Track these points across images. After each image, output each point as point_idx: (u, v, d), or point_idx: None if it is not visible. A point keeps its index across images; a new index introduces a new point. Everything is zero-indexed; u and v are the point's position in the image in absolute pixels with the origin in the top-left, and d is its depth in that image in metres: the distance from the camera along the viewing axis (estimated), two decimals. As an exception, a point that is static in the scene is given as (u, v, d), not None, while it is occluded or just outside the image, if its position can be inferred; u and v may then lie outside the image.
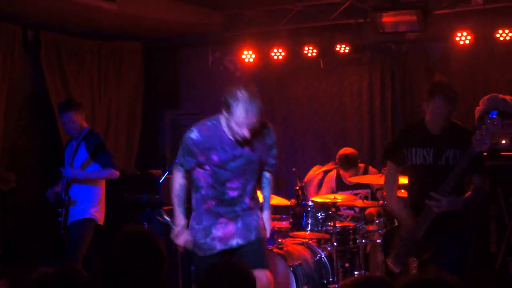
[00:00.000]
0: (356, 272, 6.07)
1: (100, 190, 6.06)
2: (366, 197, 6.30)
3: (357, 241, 6.07)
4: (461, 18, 6.83)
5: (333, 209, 6.05)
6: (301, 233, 6.13)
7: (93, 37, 7.80)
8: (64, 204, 5.94)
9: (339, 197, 6.17)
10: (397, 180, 4.79)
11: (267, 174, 4.55)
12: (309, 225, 6.12)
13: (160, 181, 6.89)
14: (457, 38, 6.78)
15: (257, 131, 4.28)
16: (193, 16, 7.48)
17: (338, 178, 6.88)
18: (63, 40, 7.47)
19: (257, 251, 4.31)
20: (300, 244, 6.08)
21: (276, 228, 6.22)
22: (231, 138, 4.23)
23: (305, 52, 7.52)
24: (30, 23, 7.09)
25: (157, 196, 7.11)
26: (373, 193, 6.72)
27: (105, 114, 7.91)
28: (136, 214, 7.13)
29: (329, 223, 6.00)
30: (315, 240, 6.20)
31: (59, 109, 6.08)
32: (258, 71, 7.98)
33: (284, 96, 8.00)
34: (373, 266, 6.35)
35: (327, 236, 6.05)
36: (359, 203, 6.16)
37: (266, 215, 4.51)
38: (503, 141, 5.50)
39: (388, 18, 6.84)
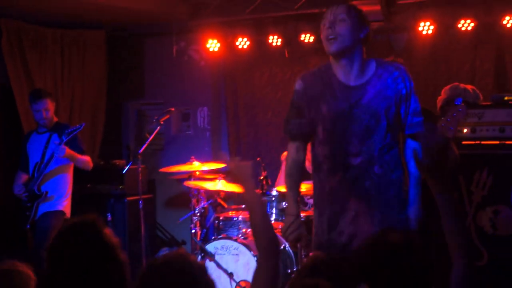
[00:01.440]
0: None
1: (71, 181, 6.05)
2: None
3: (321, 230, 6.09)
4: (424, 8, 6.87)
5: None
6: (266, 222, 6.13)
7: (55, 25, 7.69)
8: (36, 198, 5.88)
9: (303, 187, 6.17)
10: None
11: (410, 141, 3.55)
12: (274, 215, 6.14)
13: (124, 172, 6.85)
14: (420, 28, 6.82)
15: (381, 72, 3.55)
16: (157, 5, 7.42)
17: None
18: (24, 28, 7.35)
19: None
20: (264, 233, 6.08)
21: (241, 218, 6.22)
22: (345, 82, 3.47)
23: (270, 41, 7.51)
24: (-10, 11, 6.97)
25: (121, 187, 7.07)
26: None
27: (68, 104, 7.81)
28: (100, 204, 7.09)
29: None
30: (280, 229, 6.21)
31: (34, 96, 5.99)
32: (223, 60, 7.95)
33: (249, 85, 7.98)
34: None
35: (291, 225, 6.05)
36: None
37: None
38: (464, 130, 5.55)
39: (352, 8, 6.85)
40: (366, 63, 3.56)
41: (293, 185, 3.64)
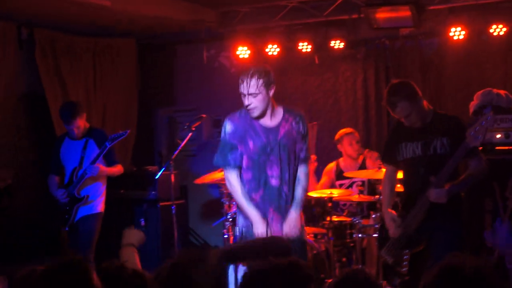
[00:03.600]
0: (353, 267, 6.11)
1: (106, 182, 6.19)
2: (361, 191, 6.35)
3: (354, 236, 6.11)
4: (455, 13, 6.87)
5: (330, 204, 6.08)
6: (298, 228, 6.16)
7: (87, 34, 7.79)
8: (76, 202, 6.01)
9: (335, 192, 6.20)
10: (394, 184, 4.89)
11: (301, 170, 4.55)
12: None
13: (156, 177, 6.90)
14: (451, 34, 6.81)
15: (288, 117, 4.46)
16: (187, 13, 7.50)
17: (338, 169, 6.90)
18: (57, 37, 7.46)
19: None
20: (297, 239, 6.11)
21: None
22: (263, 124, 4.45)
23: (300, 48, 7.54)
24: (24, 21, 7.07)
25: (153, 192, 7.13)
26: (370, 183, 6.74)
27: (100, 111, 7.91)
28: (133, 210, 7.16)
29: (326, 218, 6.03)
30: (312, 235, 6.23)
31: (64, 119, 6.11)
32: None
33: (278, 92, 7.94)
34: (370, 260, 6.39)
35: (324, 231, 6.08)
36: (356, 197, 6.19)
37: (291, 215, 4.48)
38: (498, 135, 5.53)
39: (381, 14, 6.87)
40: (275, 109, 4.49)
41: (248, 200, 4.47)
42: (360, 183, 6.63)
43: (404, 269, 4.59)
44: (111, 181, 6.32)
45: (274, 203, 4.45)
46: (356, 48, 7.56)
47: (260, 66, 4.52)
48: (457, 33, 6.78)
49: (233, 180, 4.52)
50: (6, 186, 6.85)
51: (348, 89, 7.67)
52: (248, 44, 7.72)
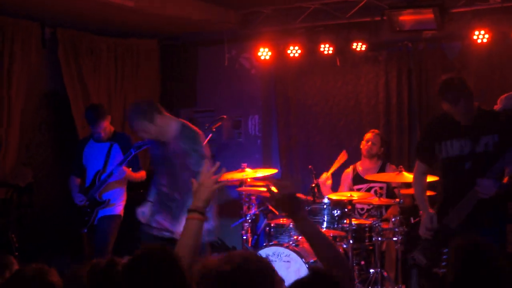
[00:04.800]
0: (371, 270, 6.06)
1: (126, 188, 6.22)
2: (381, 194, 6.31)
3: (373, 239, 6.07)
4: (479, 16, 6.79)
5: (349, 207, 6.04)
6: (317, 230, 6.13)
7: (109, 34, 7.83)
8: (97, 205, 6.03)
9: (355, 195, 6.16)
10: (426, 179, 4.85)
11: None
12: (325, 223, 6.14)
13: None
14: (475, 37, 6.73)
15: (179, 134, 4.88)
16: (209, 14, 7.50)
17: (355, 173, 6.89)
18: (80, 37, 7.50)
19: None
20: (315, 241, 6.07)
21: (292, 225, 6.24)
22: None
23: (321, 49, 7.51)
24: (47, 20, 7.12)
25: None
26: (389, 188, 6.71)
27: (121, 111, 7.93)
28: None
29: (345, 221, 6.00)
30: (331, 237, 6.20)
31: (90, 121, 6.16)
32: (274, 68, 8.00)
33: (300, 94, 7.99)
34: (389, 263, 6.34)
35: (343, 233, 6.05)
36: (375, 201, 6.15)
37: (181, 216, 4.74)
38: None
39: (405, 16, 6.83)
40: (170, 126, 4.94)
41: None
42: (378, 189, 6.58)
43: (442, 270, 4.46)
44: (131, 181, 6.34)
45: (165, 205, 4.98)
46: (378, 51, 7.52)
47: (134, 107, 5.03)
48: (480, 36, 6.70)
49: None
50: (27, 184, 6.90)
51: (370, 91, 7.62)
52: (269, 45, 7.70)
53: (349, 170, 6.97)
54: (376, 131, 6.98)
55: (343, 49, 7.52)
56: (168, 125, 4.91)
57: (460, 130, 4.51)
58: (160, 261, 2.46)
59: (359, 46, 7.36)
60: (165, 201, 4.99)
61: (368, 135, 6.91)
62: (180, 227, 4.61)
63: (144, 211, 5.06)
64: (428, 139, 4.77)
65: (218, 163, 3.31)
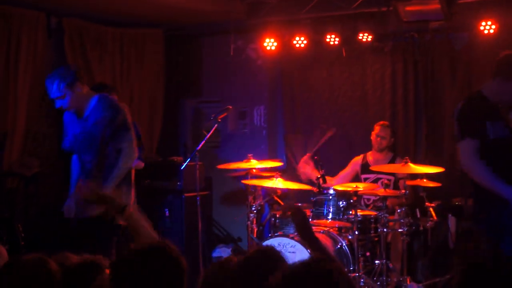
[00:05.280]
0: (377, 261, 6.07)
1: None
2: (387, 185, 6.31)
3: (379, 230, 6.07)
4: (486, 7, 6.75)
5: (355, 198, 6.04)
6: (322, 221, 6.15)
7: (115, 24, 7.82)
8: None
9: (360, 186, 6.16)
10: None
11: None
12: (331, 214, 6.14)
13: (182, 168, 6.90)
14: (482, 27, 6.71)
15: (97, 106, 4.78)
16: (215, 4, 7.47)
17: (364, 162, 6.88)
18: (85, 27, 7.50)
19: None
20: (321, 232, 6.09)
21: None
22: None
23: (327, 40, 7.48)
24: (53, 10, 7.12)
25: (178, 183, 7.14)
26: (396, 181, 6.71)
27: (127, 101, 7.91)
28: (158, 200, 7.18)
29: (351, 212, 6.00)
30: (336, 228, 6.21)
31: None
32: (280, 59, 7.97)
33: (305, 84, 7.98)
34: (394, 255, 6.35)
35: (349, 224, 6.06)
36: (381, 192, 6.15)
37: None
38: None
39: (411, 7, 6.79)
40: (90, 101, 4.85)
41: None
42: (386, 181, 6.58)
43: None
44: (137, 172, 6.32)
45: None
46: (384, 42, 7.48)
47: (61, 69, 4.87)
48: (487, 27, 6.68)
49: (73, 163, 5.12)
50: (33, 174, 6.91)
51: (376, 82, 7.60)
52: (275, 36, 7.68)
53: (359, 158, 6.96)
54: (386, 123, 6.93)
55: (349, 40, 7.49)
56: (88, 95, 4.84)
57: (499, 111, 4.26)
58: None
59: (365, 37, 7.34)
60: (87, 179, 4.88)
61: (378, 129, 6.86)
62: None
63: (70, 206, 4.95)
64: (477, 117, 4.27)
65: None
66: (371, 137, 6.91)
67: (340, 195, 6.15)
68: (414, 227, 6.16)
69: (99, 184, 4.69)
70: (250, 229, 6.39)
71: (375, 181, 6.72)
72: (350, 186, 6.13)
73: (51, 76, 4.77)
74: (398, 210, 6.11)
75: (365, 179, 6.79)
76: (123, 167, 4.81)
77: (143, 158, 6.51)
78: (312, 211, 6.17)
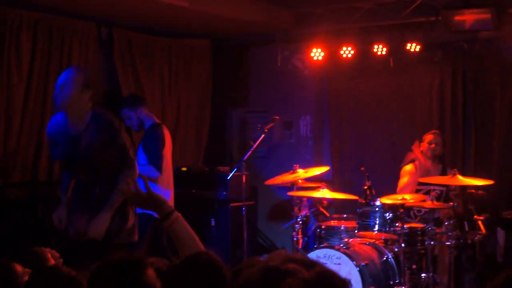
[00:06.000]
0: (423, 274, 5.99)
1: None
2: (437, 198, 6.21)
3: (425, 243, 5.98)
4: (537, 16, 6.64)
5: (401, 210, 5.98)
6: (369, 233, 6.09)
7: (163, 34, 7.93)
8: None
9: (407, 197, 6.09)
10: None
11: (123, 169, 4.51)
12: (377, 225, 6.07)
13: (228, 178, 6.94)
14: (532, 38, 6.59)
15: (90, 125, 4.46)
16: (262, 14, 7.52)
17: (418, 171, 6.73)
18: (135, 37, 7.62)
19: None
20: (367, 244, 6.05)
21: (343, 228, 6.22)
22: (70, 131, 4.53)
23: (375, 50, 7.43)
24: (103, 21, 7.25)
25: (224, 193, 7.18)
26: (448, 193, 6.60)
27: (174, 111, 8.03)
28: (204, 209, 7.23)
29: (397, 224, 5.93)
30: (383, 240, 6.15)
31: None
32: (327, 69, 7.95)
33: (352, 95, 7.95)
34: (441, 268, 6.26)
35: (395, 237, 5.99)
36: (428, 204, 6.07)
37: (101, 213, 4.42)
38: None
39: (460, 16, 6.72)
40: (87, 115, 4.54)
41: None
42: (438, 192, 6.47)
43: None
44: (184, 180, 6.38)
45: (82, 203, 4.51)
46: (432, 52, 7.41)
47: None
48: (539, 37, 6.56)
49: (63, 176, 4.76)
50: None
51: (424, 93, 7.53)
52: (322, 46, 7.66)
53: (412, 167, 6.77)
54: (437, 131, 6.81)
55: (396, 50, 7.42)
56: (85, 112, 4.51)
57: None
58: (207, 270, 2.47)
59: (413, 47, 7.27)
60: (83, 197, 4.55)
61: (430, 136, 6.74)
62: (90, 226, 4.38)
63: (61, 216, 4.58)
64: None
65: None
66: (422, 148, 6.77)
67: (387, 207, 6.08)
68: (462, 240, 6.05)
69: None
70: (295, 240, 6.38)
71: (427, 192, 6.61)
72: (396, 198, 6.07)
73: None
74: (446, 223, 6.02)
75: (418, 191, 6.66)
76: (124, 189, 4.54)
77: None
78: (358, 223, 6.12)
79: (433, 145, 6.70)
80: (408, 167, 6.80)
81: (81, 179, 4.56)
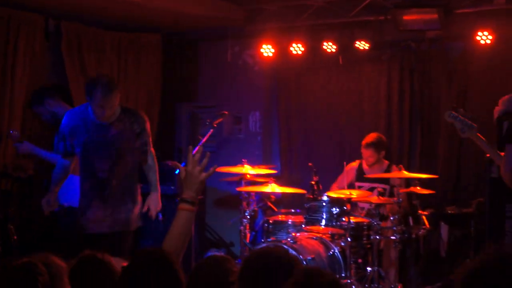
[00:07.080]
0: (368, 268, 6.06)
1: None
2: (382, 193, 6.30)
3: (371, 237, 6.07)
4: (483, 17, 6.78)
5: (348, 205, 6.04)
6: (315, 227, 6.14)
7: (113, 28, 7.84)
8: None
9: (354, 193, 6.16)
10: None
11: (148, 160, 5.11)
12: (324, 220, 6.12)
13: (176, 173, 6.91)
14: (478, 38, 6.73)
15: (123, 117, 4.90)
16: (213, 10, 7.50)
17: (359, 169, 6.86)
18: (84, 30, 7.50)
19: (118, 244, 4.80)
20: (314, 238, 6.09)
21: (290, 222, 6.25)
22: (96, 120, 4.86)
23: (324, 47, 7.50)
24: (51, 13, 7.13)
25: (172, 187, 7.14)
26: (391, 190, 6.70)
27: (123, 105, 7.93)
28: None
29: (344, 219, 5.99)
30: (329, 235, 6.20)
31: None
32: (277, 65, 8.00)
33: (302, 91, 8.00)
34: (386, 262, 6.35)
35: (341, 231, 6.05)
36: (374, 199, 6.15)
37: (153, 196, 5.07)
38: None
39: (409, 16, 6.84)
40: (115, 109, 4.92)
41: (56, 182, 5.10)
42: (381, 190, 6.55)
43: None
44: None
45: (98, 193, 4.90)
46: (381, 50, 7.51)
47: (111, 77, 5.18)
48: (484, 37, 6.70)
49: (57, 165, 5.09)
50: (28, 177, 6.90)
51: (372, 90, 7.63)
52: (272, 42, 7.70)
53: (355, 164, 6.90)
54: (367, 142, 6.77)
55: (346, 48, 7.51)
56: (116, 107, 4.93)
57: None
58: (158, 265, 2.48)
59: (362, 45, 7.36)
60: (98, 189, 4.93)
61: (363, 151, 6.77)
62: (117, 215, 4.86)
63: (49, 199, 5.00)
64: None
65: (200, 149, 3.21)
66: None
67: (334, 201, 6.14)
68: (406, 235, 6.15)
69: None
70: (243, 234, 6.39)
71: (370, 190, 6.70)
72: (343, 193, 6.13)
73: (108, 83, 4.86)
74: (391, 218, 6.11)
75: (360, 187, 6.77)
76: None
77: None
78: (305, 217, 6.16)
79: (367, 159, 6.78)
80: (352, 164, 6.91)
81: (98, 171, 4.88)
